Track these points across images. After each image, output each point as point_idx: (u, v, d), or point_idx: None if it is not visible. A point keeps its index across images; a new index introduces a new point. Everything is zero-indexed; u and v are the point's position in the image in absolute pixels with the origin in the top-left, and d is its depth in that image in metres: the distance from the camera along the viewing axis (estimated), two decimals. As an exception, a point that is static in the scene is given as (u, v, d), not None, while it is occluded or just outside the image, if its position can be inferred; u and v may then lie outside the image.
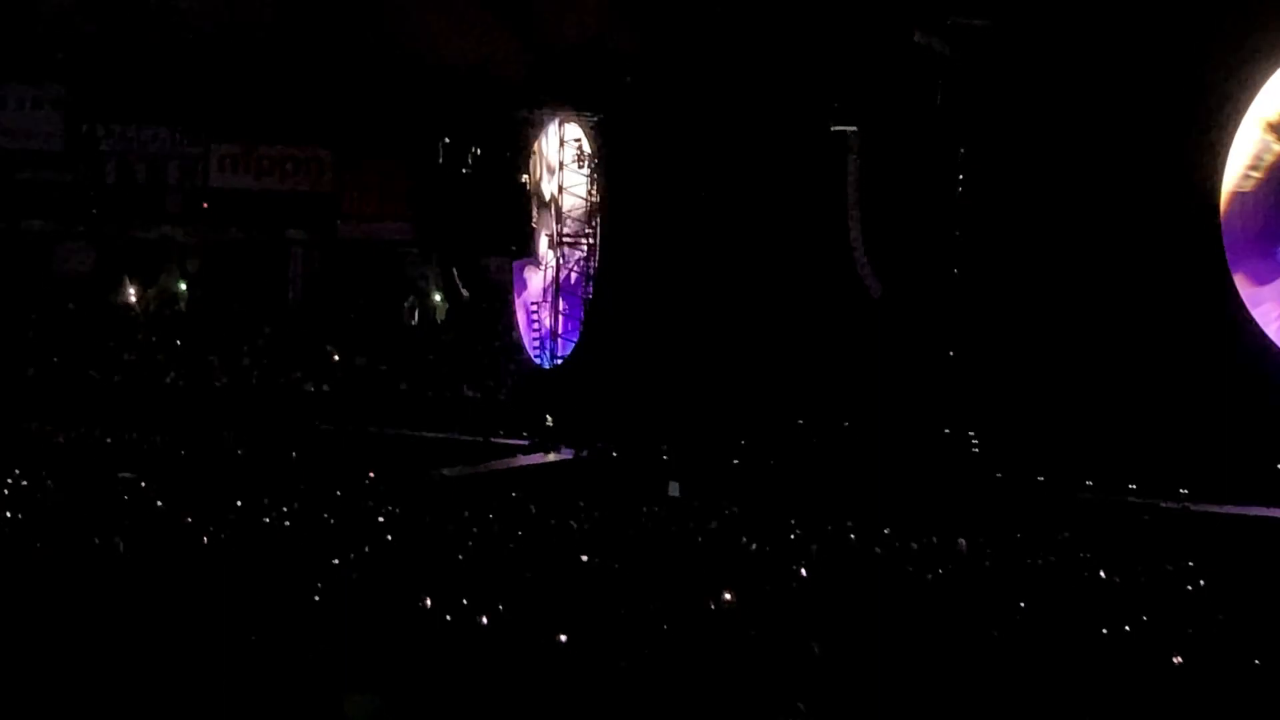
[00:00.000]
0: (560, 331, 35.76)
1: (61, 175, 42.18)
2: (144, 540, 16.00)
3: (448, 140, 36.21)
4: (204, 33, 37.08)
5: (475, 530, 18.24)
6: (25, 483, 21.85)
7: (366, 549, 16.31)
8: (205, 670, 10.71)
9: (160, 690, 10.43)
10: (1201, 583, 16.05)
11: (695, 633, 12.33)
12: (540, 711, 10.30)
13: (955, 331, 28.21)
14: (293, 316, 42.19)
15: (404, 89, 35.79)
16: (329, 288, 43.03)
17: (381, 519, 19.21)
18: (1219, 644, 12.36)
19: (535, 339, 36.56)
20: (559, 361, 35.63)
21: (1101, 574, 16.34)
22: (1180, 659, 11.46)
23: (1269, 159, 25.00)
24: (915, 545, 18.50)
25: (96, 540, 15.73)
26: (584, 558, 16.19)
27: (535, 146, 36.43)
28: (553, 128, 36.03)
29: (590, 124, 34.38)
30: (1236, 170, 25.06)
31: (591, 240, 34.88)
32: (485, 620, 12.54)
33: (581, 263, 35.39)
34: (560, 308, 35.92)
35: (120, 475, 23.64)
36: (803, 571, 15.89)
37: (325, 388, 38.36)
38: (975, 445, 27.47)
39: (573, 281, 35.69)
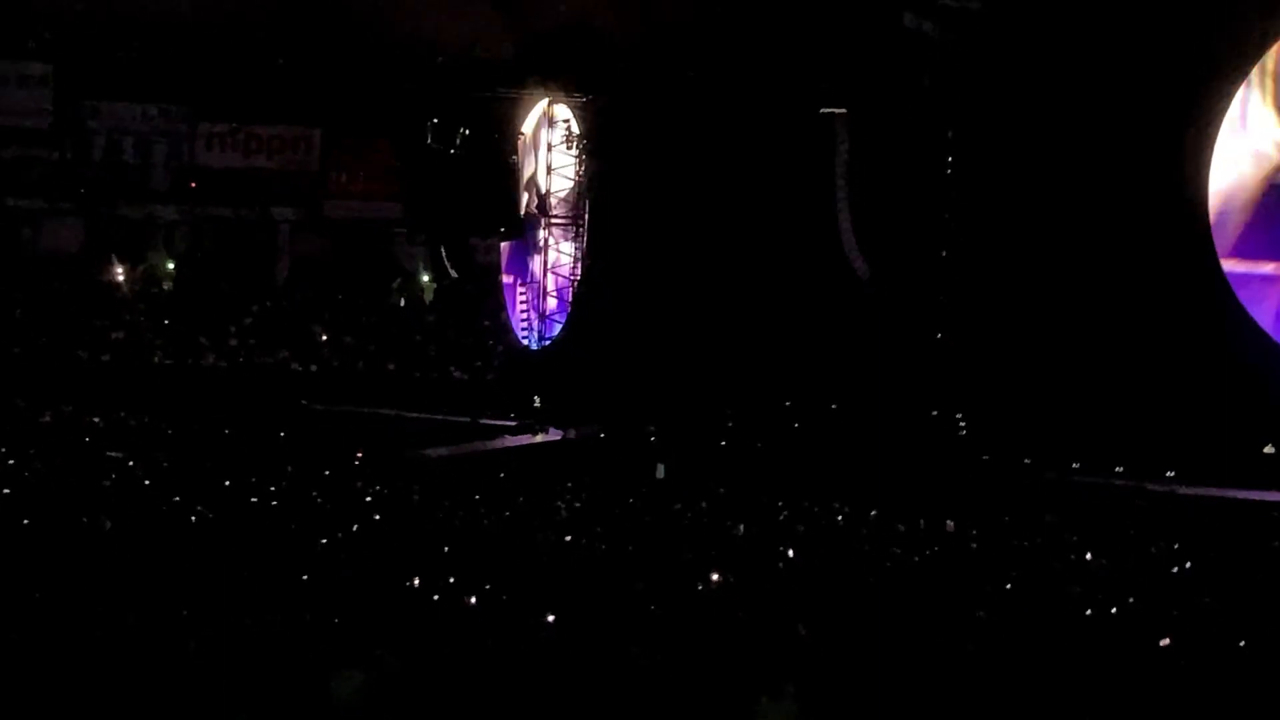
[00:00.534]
0: (548, 313, 35.73)
1: (48, 153, 41.99)
2: (131, 519, 16.00)
3: (436, 120, 36.08)
4: (191, 10, 36.91)
5: (462, 511, 18.24)
6: (12, 462, 21.81)
7: (354, 529, 16.32)
8: (193, 649, 10.71)
9: (148, 668, 10.43)
10: (1188, 565, 16.10)
11: (682, 614, 12.35)
12: (527, 691, 10.32)
13: (943, 314, 28.23)
14: (280, 296, 42.11)
15: (392, 69, 35.67)
16: (317, 267, 42.94)
17: (369, 499, 19.21)
18: (1205, 626, 12.40)
19: (523, 320, 36.52)
20: (546, 343, 35.60)
21: (1088, 556, 16.39)
22: (1167, 641, 11.51)
23: (1254, 140, 25.04)
24: (902, 527, 18.54)
25: (84, 519, 15.72)
26: (571, 539, 16.21)
27: (523, 127, 36.34)
28: (541, 108, 35.96)
29: (578, 105, 34.29)
30: (1224, 151, 25.09)
31: (579, 221, 34.83)
32: (472, 600, 12.56)
33: (569, 244, 35.34)
34: (548, 289, 35.89)
35: (107, 454, 23.59)
36: (790, 553, 15.92)
37: (313, 368, 38.31)
38: (963, 428, 27.51)
39: (561, 263, 35.65)
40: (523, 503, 19.37)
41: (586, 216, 34.53)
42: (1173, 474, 23.81)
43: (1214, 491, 22.73)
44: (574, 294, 34.80)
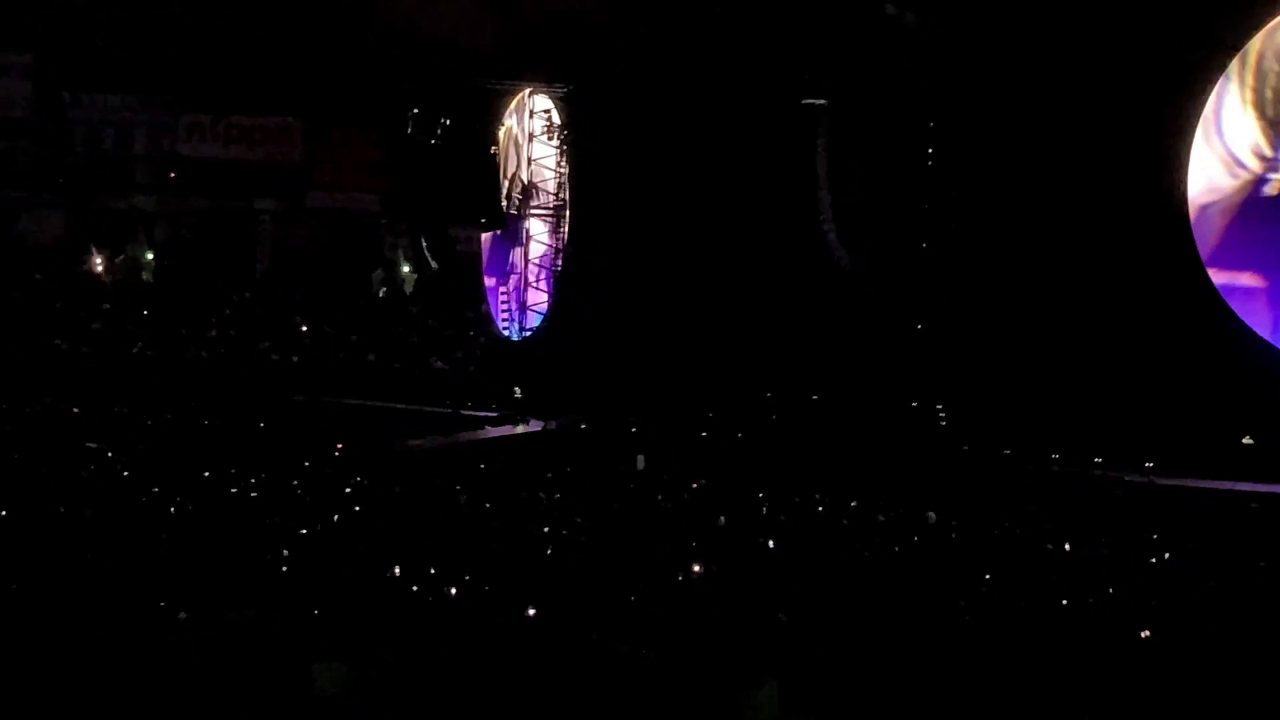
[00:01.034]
0: (529, 303, 35.71)
1: (29, 143, 41.87)
2: (110, 510, 15.95)
3: (417, 111, 36.02)
4: (173, 1, 36.82)
5: (444, 502, 18.23)
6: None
7: (335, 519, 16.30)
8: (173, 640, 10.69)
9: (127, 660, 10.41)
10: (1166, 556, 16.18)
11: (664, 605, 12.37)
12: (509, 682, 10.32)
13: (924, 304, 28.28)
14: (261, 287, 42.03)
15: (374, 59, 35.59)
16: (298, 258, 42.88)
17: (349, 490, 19.19)
18: (1185, 616, 12.46)
19: (504, 311, 36.50)
20: (528, 333, 35.59)
21: (1067, 547, 16.45)
22: (1147, 632, 11.56)
23: (1232, 127, 25.12)
24: (883, 517, 18.58)
25: (62, 510, 15.68)
26: (552, 529, 16.22)
27: (505, 118, 36.31)
28: (523, 99, 35.92)
29: (560, 96, 34.25)
30: (1205, 139, 25.17)
31: (561, 212, 34.80)
32: (454, 591, 12.56)
33: (551, 235, 35.32)
34: (529, 280, 35.86)
35: (87, 445, 23.53)
36: (771, 544, 15.95)
37: (294, 358, 38.24)
38: (943, 419, 27.57)
39: (542, 254, 35.63)
40: (504, 494, 19.37)
41: (568, 207, 34.51)
42: (1151, 465, 23.89)
43: (1192, 482, 22.82)
44: (555, 285, 34.79)
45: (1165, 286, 25.03)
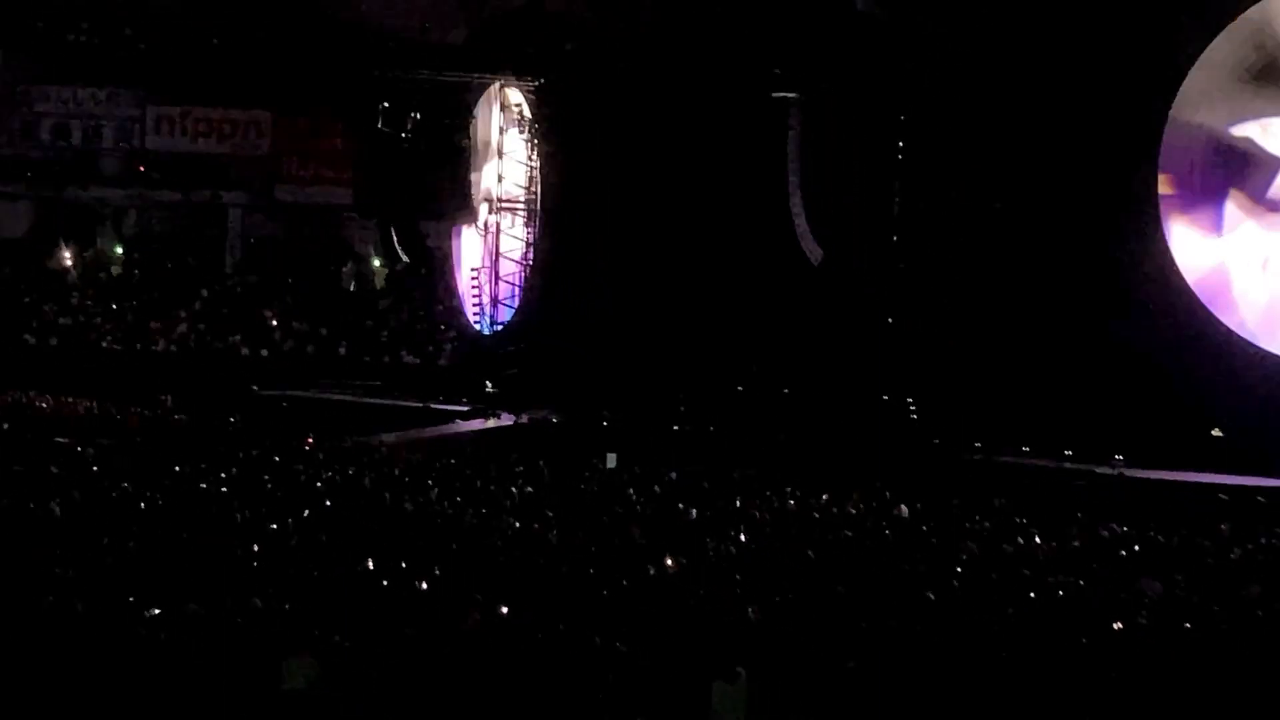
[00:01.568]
0: (500, 297, 35.67)
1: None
2: (79, 505, 15.86)
3: (387, 104, 35.92)
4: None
5: (414, 496, 18.18)
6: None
7: (305, 514, 16.24)
8: (143, 635, 10.65)
9: (97, 654, 10.37)
10: (1136, 548, 16.25)
11: (636, 598, 12.37)
12: (480, 675, 10.32)
13: (894, 299, 28.36)
14: (231, 280, 41.87)
15: (344, 52, 35.48)
16: (268, 251, 42.75)
17: (320, 484, 19.12)
18: (1153, 607, 12.53)
19: (475, 305, 36.45)
20: (499, 327, 35.54)
21: (1037, 539, 16.51)
22: (1118, 624, 11.62)
23: (1206, 120, 25.24)
24: (854, 511, 18.61)
25: (32, 505, 15.58)
26: (523, 523, 16.19)
27: (475, 111, 36.24)
28: (493, 92, 35.86)
29: (530, 89, 34.21)
30: (1174, 131, 25.29)
31: (532, 206, 34.77)
32: (424, 586, 12.54)
33: (521, 228, 35.27)
34: (500, 273, 35.82)
35: (56, 440, 23.40)
36: (742, 537, 15.96)
37: (263, 352, 38.11)
38: (914, 412, 27.65)
39: (513, 247, 35.58)
40: (475, 488, 19.33)
41: (538, 201, 34.47)
42: (1120, 457, 24.01)
43: (1161, 474, 22.95)
44: (526, 279, 34.75)
45: (1136, 280, 25.15)
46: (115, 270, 42.58)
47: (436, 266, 38.47)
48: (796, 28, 28.64)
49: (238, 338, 38.53)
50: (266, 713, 10.06)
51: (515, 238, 35.42)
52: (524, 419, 30.41)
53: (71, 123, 41.97)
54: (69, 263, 42.35)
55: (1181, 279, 25.06)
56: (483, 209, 36.53)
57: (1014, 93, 26.07)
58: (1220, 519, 18.61)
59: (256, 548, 13.93)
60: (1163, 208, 25.23)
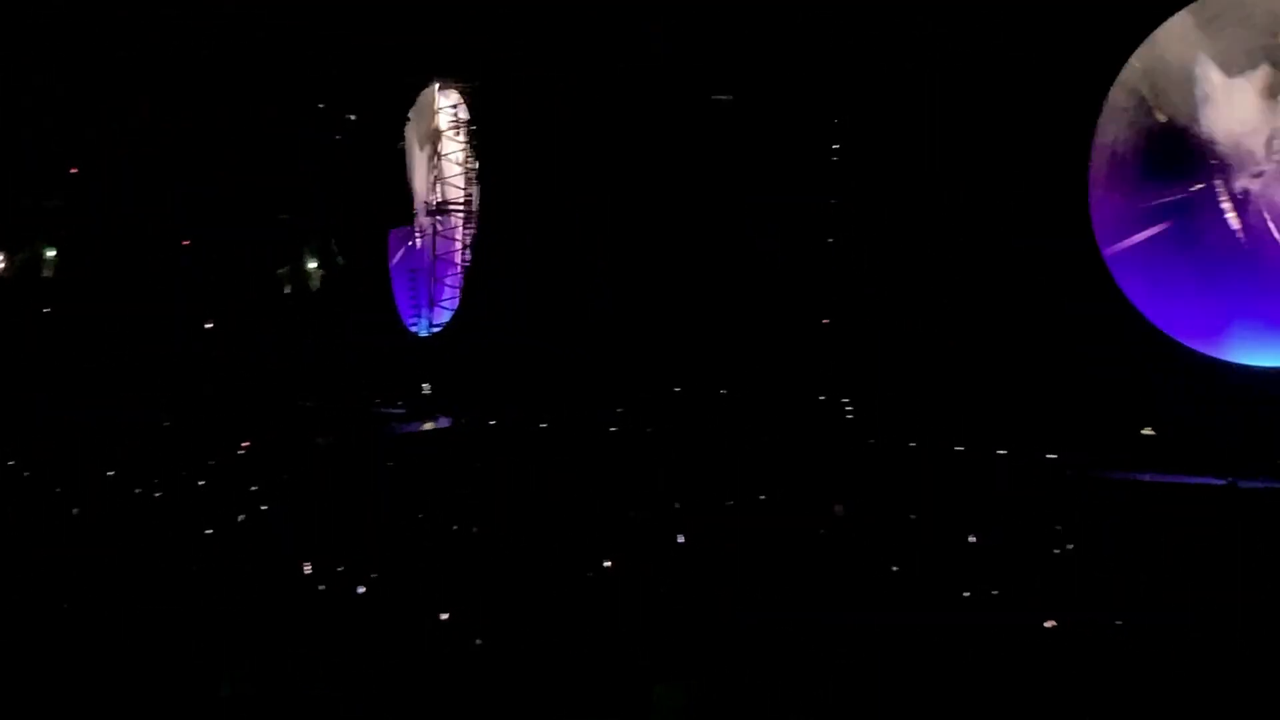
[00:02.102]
0: (437, 300, 35.55)
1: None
2: (9, 514, 15.70)
3: (322, 106, 35.72)
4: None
5: (350, 499, 18.11)
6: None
7: (240, 519, 16.14)
8: (75, 646, 10.56)
9: (26, 667, 10.27)
10: (1069, 546, 16.41)
11: (575, 602, 12.37)
12: (421, 678, 10.30)
13: (829, 298, 28.51)
14: (166, 283, 41.42)
15: (279, 53, 35.24)
16: (203, 253, 42.32)
17: (255, 488, 19.00)
18: (1087, 606, 12.65)
19: (412, 307, 36.32)
20: (437, 330, 35.43)
21: (971, 538, 16.63)
22: (1052, 622, 11.73)
23: (1134, 120, 25.52)
24: (791, 510, 18.68)
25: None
26: (462, 526, 16.17)
27: (412, 113, 36.10)
28: (430, 94, 35.74)
29: (468, 90, 34.11)
30: (1105, 130, 25.56)
31: (470, 208, 34.68)
32: (361, 590, 12.50)
33: (460, 230, 35.18)
34: (438, 276, 35.71)
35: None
36: (680, 538, 15.99)
37: (197, 354, 37.77)
38: (850, 411, 27.81)
39: (451, 249, 35.48)
40: (412, 491, 19.27)
41: (477, 203, 34.39)
42: (1056, 455, 24.22)
43: (1095, 472, 23.17)
44: (464, 281, 34.65)
45: (1065, 282, 25.42)
46: (48, 273, 42.02)
47: (374, 268, 38.25)
48: (732, 29, 28.72)
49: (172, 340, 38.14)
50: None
51: (453, 240, 35.32)
52: (463, 422, 30.34)
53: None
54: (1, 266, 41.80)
55: (1110, 276, 25.36)
56: (420, 211, 36.41)
57: (943, 90, 26.30)
58: (1152, 515, 18.83)
59: (191, 554, 13.84)
60: (1092, 203, 25.52)
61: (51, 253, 42.48)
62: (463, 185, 34.81)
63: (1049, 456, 24.22)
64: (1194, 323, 24.79)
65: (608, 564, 13.78)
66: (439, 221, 35.84)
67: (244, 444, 24.45)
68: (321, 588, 12.59)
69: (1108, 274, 25.44)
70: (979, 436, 25.40)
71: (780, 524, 17.65)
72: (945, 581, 13.67)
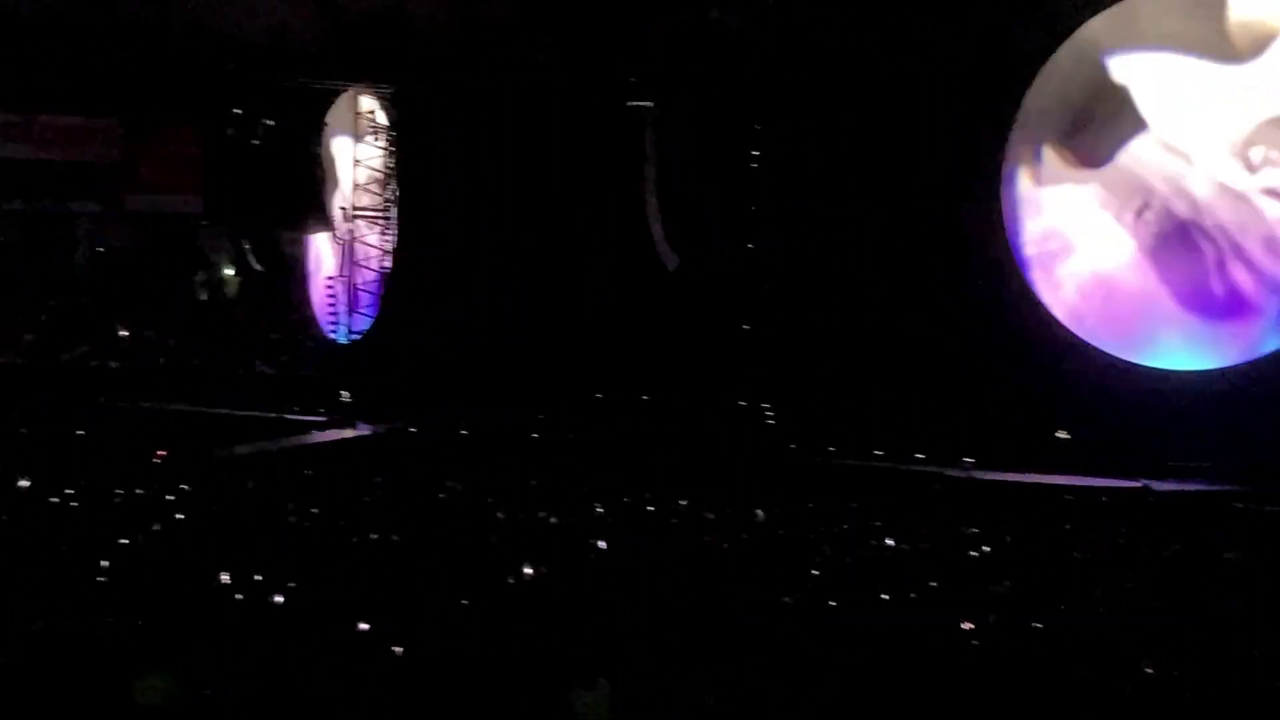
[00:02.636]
0: (356, 307, 35.35)
1: None
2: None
3: (240, 111, 35.41)
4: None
5: (269, 508, 17.96)
6: None
7: (156, 528, 15.97)
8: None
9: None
10: (986, 549, 16.58)
11: (495, 608, 12.35)
12: (338, 687, 10.24)
13: (750, 305, 28.64)
14: (79, 291, 40.96)
15: (196, 57, 34.89)
16: (117, 261, 41.85)
17: (172, 498, 18.80)
18: (1003, 608, 12.79)
19: (330, 314, 36.08)
20: (355, 337, 35.22)
21: (889, 541, 16.77)
22: (968, 624, 11.85)
23: (1049, 129, 25.89)
24: (712, 516, 18.74)
25: None
26: (382, 534, 16.08)
27: (329, 118, 35.86)
28: (347, 99, 35.52)
29: (386, 95, 33.96)
30: (1019, 139, 25.89)
31: (388, 214, 34.51)
32: (279, 599, 12.40)
33: (377, 237, 35.00)
34: (356, 282, 35.50)
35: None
36: (601, 544, 15.99)
37: (112, 364, 37.37)
38: (770, 417, 27.95)
39: (369, 256, 35.30)
40: (331, 499, 19.14)
41: (395, 209, 34.23)
42: (971, 460, 24.49)
43: (1010, 476, 23.43)
44: (382, 287, 34.47)
45: (980, 287, 25.73)
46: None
47: (291, 275, 37.97)
48: (651, 36, 28.81)
49: (86, 348, 37.74)
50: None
51: (372, 246, 35.14)
52: (382, 430, 30.17)
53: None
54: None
55: (1025, 282, 25.70)
56: (338, 217, 36.18)
57: (863, 101, 26.54)
58: (1066, 519, 19.09)
59: (106, 564, 13.66)
60: (1005, 209, 25.86)
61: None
62: (381, 191, 34.64)
63: (965, 460, 24.48)
64: (1109, 328, 25.18)
65: (529, 570, 13.76)
66: (357, 227, 35.65)
67: (159, 453, 24.18)
68: (239, 597, 12.48)
69: (1024, 280, 25.79)
70: (897, 441, 25.62)
71: (701, 529, 17.72)
72: (863, 584, 13.77)
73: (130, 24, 35.11)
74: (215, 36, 34.50)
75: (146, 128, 40.19)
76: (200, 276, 41.82)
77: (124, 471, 21.24)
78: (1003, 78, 25.63)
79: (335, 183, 36.25)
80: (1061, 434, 25.16)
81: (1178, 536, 17.77)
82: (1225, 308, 24.36)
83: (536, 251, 30.57)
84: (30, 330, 38.08)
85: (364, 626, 11.31)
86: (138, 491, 19.14)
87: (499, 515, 18.31)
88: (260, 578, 13.08)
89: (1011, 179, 26.08)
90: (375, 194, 34.94)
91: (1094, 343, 25.14)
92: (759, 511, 18.86)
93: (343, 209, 36.00)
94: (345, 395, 33.26)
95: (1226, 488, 21.97)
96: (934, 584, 13.85)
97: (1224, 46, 24.15)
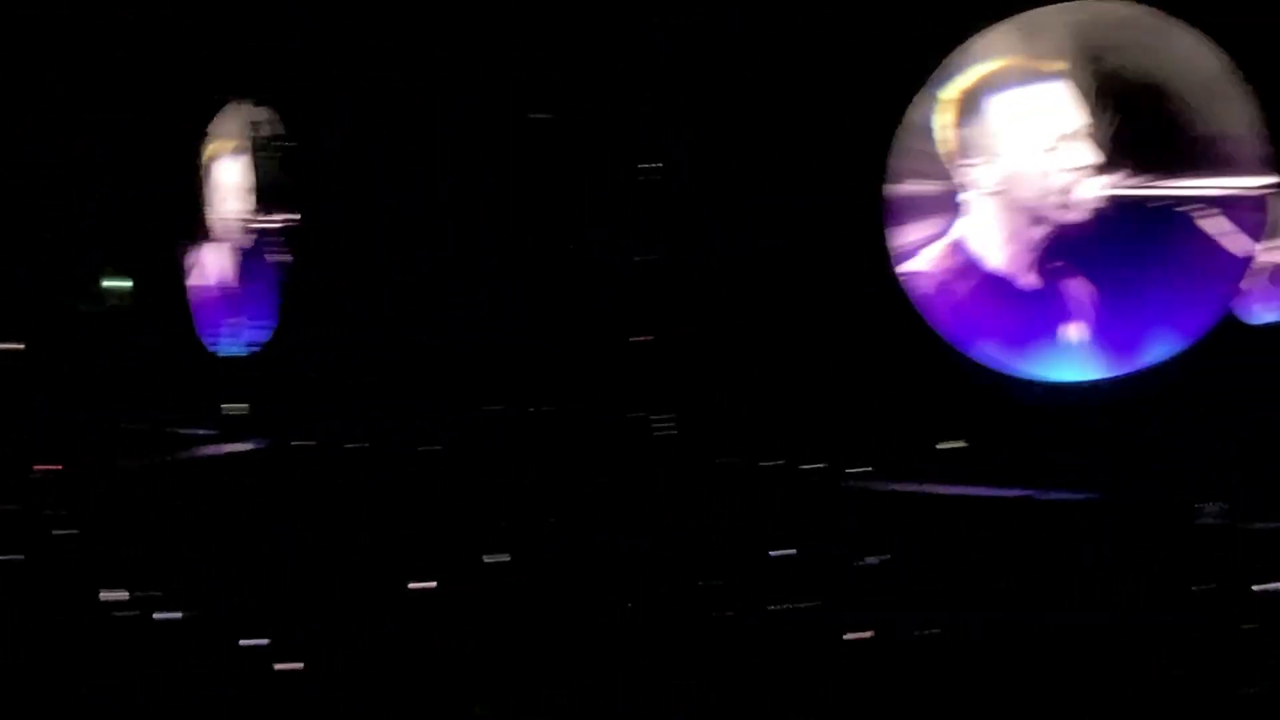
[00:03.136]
0: (245, 318, 34.96)
1: None
2: None
3: (121, 120, 34.90)
4: None
5: (156, 523, 17.75)
6: None
7: (37, 544, 15.73)
8: None
9: None
10: (871, 559, 16.76)
11: (389, 624, 12.30)
12: (224, 707, 10.13)
13: (645, 316, 28.73)
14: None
15: (79, 66, 34.37)
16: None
17: (54, 513, 18.52)
18: (888, 617, 12.93)
19: (219, 326, 35.67)
20: (244, 349, 34.84)
21: (785, 551, 16.90)
22: (850, 635, 11.97)
23: (931, 135, 26.23)
24: (607, 527, 18.79)
25: None
26: (269, 548, 15.96)
27: (216, 127, 35.48)
28: (235, 108, 35.17)
29: (276, 104, 33.64)
30: (903, 153, 26.21)
31: (278, 224, 34.18)
32: (162, 615, 12.27)
33: (267, 247, 34.65)
34: (245, 294, 35.12)
35: None
36: (488, 559, 15.96)
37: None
38: (666, 427, 28.04)
39: (258, 266, 34.95)
40: (220, 514, 18.95)
41: (285, 219, 33.90)
42: (866, 469, 24.73)
43: (898, 486, 23.70)
44: (273, 298, 34.13)
45: (867, 300, 26.01)
46: None
47: (177, 287, 37.50)
48: (551, 48, 28.82)
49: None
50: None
51: (260, 257, 34.78)
52: (273, 443, 29.88)
53: None
54: None
55: (910, 295, 26.03)
56: (226, 227, 35.78)
57: (756, 111, 26.75)
58: (953, 528, 19.34)
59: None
60: (889, 220, 26.18)
61: None
62: (270, 201, 34.31)
63: (855, 470, 24.73)
64: (993, 339, 25.57)
65: (423, 585, 13.71)
66: (245, 238, 35.27)
67: (41, 467, 23.77)
68: (124, 615, 12.33)
69: (910, 292, 26.11)
70: (791, 451, 25.83)
71: (597, 540, 17.74)
72: (755, 593, 13.88)
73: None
74: (103, 44, 34.00)
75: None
76: (84, 287, 41.19)
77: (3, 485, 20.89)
78: (888, 90, 25.99)
79: (223, 192, 35.85)
80: (947, 444, 25.49)
81: (1060, 542, 18.10)
82: (1107, 319, 24.82)
83: (429, 262, 30.44)
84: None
85: (249, 643, 11.22)
86: (10, 508, 18.83)
87: (393, 529, 18.22)
88: (147, 594, 12.94)
89: (896, 189, 26.40)
90: (266, 204, 34.59)
91: (978, 354, 25.51)
92: (653, 520, 18.94)
93: (233, 220, 35.62)
94: (233, 408, 32.90)
95: (1108, 495, 22.40)
96: (825, 595, 13.99)
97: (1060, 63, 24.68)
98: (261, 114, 34.54)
